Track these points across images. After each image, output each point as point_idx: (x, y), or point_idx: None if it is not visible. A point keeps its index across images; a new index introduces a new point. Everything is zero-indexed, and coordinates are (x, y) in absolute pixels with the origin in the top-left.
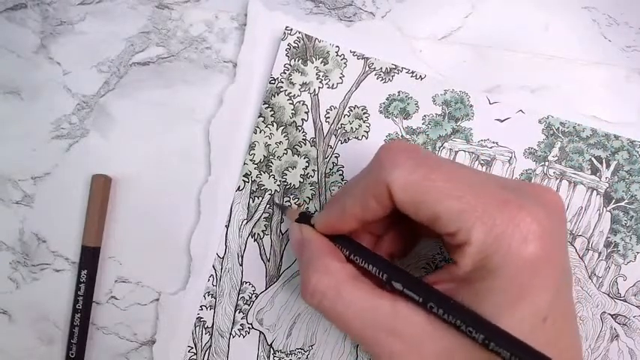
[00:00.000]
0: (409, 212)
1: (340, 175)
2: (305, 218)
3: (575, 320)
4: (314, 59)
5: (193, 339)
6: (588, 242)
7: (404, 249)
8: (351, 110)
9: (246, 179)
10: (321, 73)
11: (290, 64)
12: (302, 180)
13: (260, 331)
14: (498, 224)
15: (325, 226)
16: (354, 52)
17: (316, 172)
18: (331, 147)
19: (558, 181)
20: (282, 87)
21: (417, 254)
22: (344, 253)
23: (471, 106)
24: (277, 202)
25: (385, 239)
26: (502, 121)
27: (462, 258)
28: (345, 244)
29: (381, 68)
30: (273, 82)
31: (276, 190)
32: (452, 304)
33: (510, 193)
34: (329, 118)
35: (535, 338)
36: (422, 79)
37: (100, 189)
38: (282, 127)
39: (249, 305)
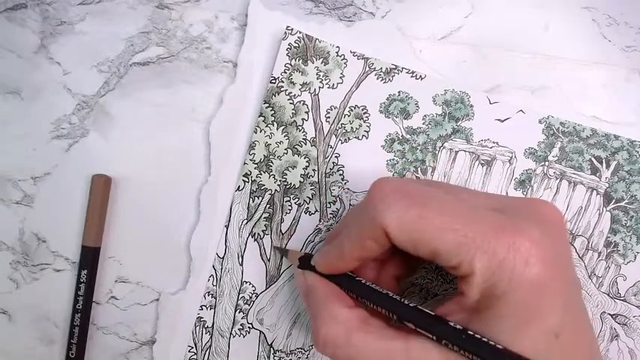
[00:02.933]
0: (409, 250)
1: (340, 175)
2: (306, 260)
3: (590, 329)
4: (314, 59)
5: (193, 339)
6: (588, 242)
7: (409, 270)
8: (352, 110)
9: (246, 179)
10: (322, 73)
11: (290, 64)
12: (302, 180)
13: (260, 331)
14: (499, 252)
15: (326, 267)
16: (354, 52)
17: (316, 172)
18: (331, 147)
19: (558, 181)
20: (282, 87)
21: None
22: (350, 295)
23: (472, 106)
24: (277, 245)
25: (390, 264)
26: (502, 121)
27: (469, 288)
28: (350, 285)
29: (381, 68)
30: (273, 81)
31: (276, 190)
32: (465, 338)
33: (506, 217)
34: (329, 117)
35: (551, 356)
36: (422, 79)
37: (100, 189)
38: (283, 127)
39: (249, 305)
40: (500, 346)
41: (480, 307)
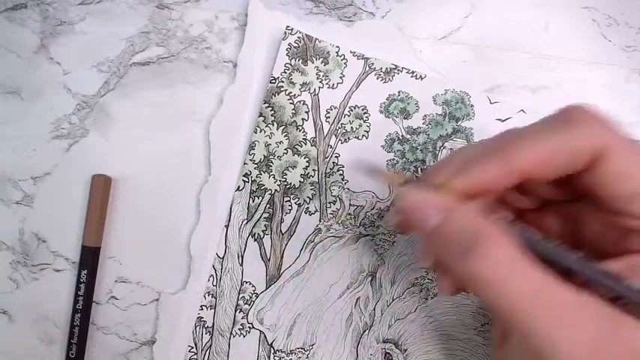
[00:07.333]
0: (604, 183)
1: (340, 174)
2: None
3: None
4: (314, 59)
5: (194, 339)
6: None
7: (561, 233)
8: (352, 110)
9: (246, 179)
10: (322, 73)
11: (290, 64)
12: (302, 180)
13: (260, 331)
14: None
15: (472, 182)
16: (354, 52)
17: (316, 172)
18: (331, 147)
19: None
20: (282, 86)
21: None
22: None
23: (472, 105)
24: (365, 165)
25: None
26: (503, 120)
27: None
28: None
29: (381, 68)
30: (273, 81)
31: (276, 190)
32: None
33: None
34: (329, 117)
35: None
36: (422, 79)
37: (100, 189)
38: (283, 127)
39: (249, 305)
40: None
41: None
